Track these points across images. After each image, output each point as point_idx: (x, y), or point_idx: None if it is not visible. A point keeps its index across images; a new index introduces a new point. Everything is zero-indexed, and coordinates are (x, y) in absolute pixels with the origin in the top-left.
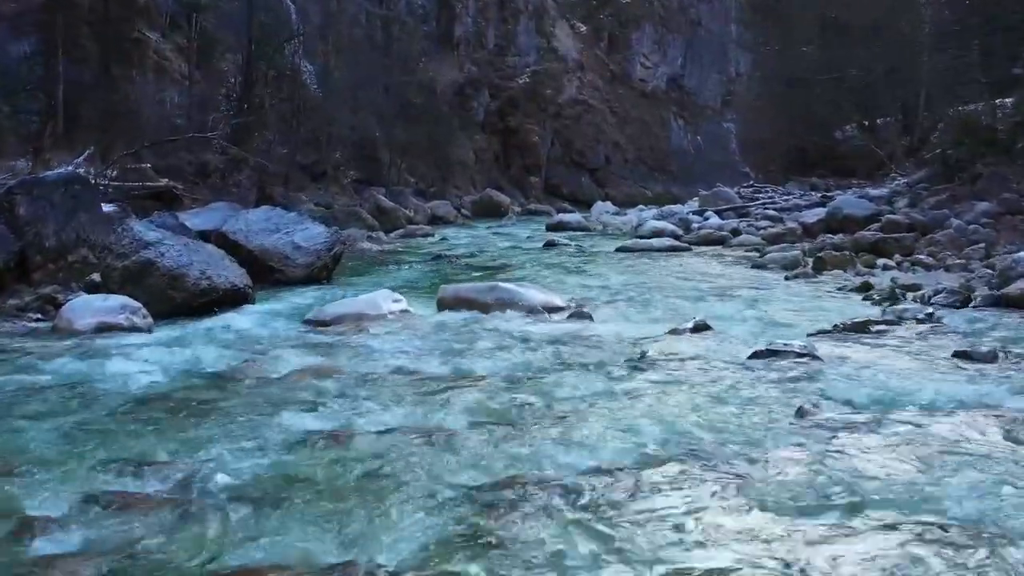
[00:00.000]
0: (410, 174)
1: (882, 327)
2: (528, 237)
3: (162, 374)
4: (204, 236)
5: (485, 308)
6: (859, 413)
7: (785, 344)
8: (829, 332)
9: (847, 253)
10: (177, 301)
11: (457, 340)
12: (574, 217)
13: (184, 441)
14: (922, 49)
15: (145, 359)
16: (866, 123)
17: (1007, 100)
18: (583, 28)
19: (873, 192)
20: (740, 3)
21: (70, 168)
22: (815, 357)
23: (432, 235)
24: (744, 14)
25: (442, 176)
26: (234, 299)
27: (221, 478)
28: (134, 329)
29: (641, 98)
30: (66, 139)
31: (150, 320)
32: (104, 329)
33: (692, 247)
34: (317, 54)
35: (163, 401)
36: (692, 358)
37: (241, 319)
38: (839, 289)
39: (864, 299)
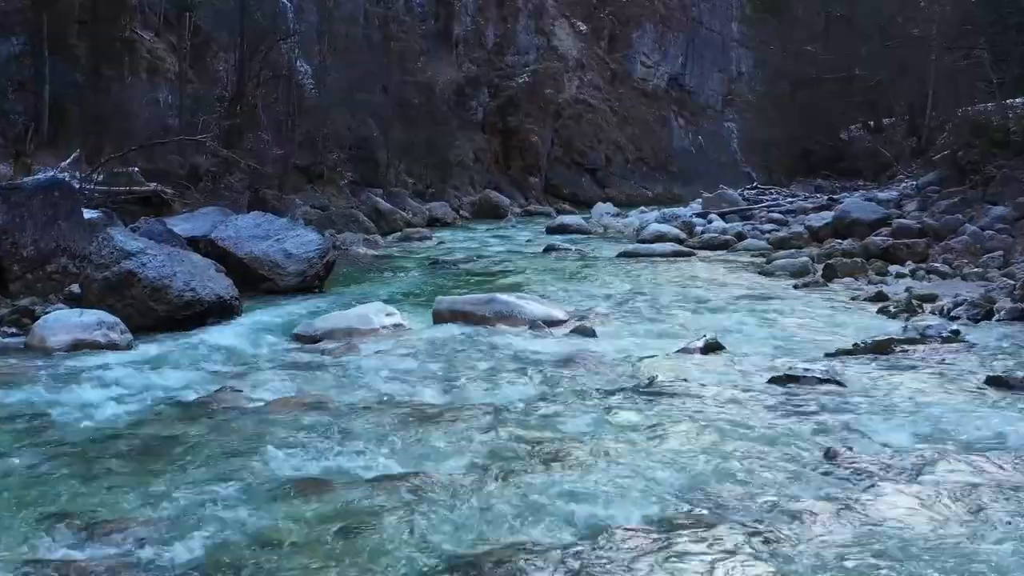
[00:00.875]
0: (408, 175)
1: (905, 346)
2: (528, 240)
3: (132, 403)
4: (193, 242)
5: (483, 322)
6: (895, 455)
7: (806, 369)
8: (850, 352)
9: (858, 260)
10: (160, 314)
11: (452, 362)
12: (575, 219)
13: (146, 493)
14: (930, 48)
15: (117, 383)
16: (871, 123)
17: (1018, 100)
18: (583, 27)
19: (881, 195)
20: (742, 1)
21: (52, 173)
22: (838, 384)
23: (430, 238)
24: (747, 12)
25: (441, 177)
26: (220, 311)
27: (181, 547)
28: (111, 346)
29: (642, 97)
30: (52, 142)
31: (129, 336)
32: (80, 347)
33: (696, 252)
34: (314, 53)
35: (128, 438)
36: (705, 385)
37: (226, 333)
38: (852, 299)
39: (879, 311)
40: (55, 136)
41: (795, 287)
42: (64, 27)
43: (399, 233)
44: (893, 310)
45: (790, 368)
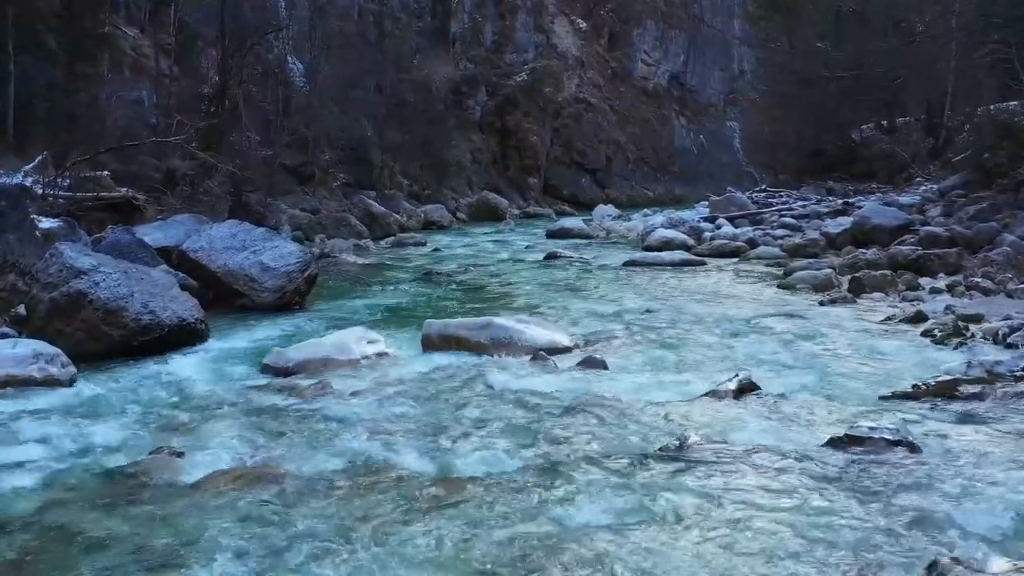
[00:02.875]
0: (403, 176)
1: (974, 387)
2: (527, 247)
3: (43, 471)
4: (165, 253)
5: (478, 349)
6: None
7: (870, 428)
8: (909, 396)
9: (887, 274)
10: (115, 339)
11: (439, 409)
12: (576, 223)
13: None
14: (949, 43)
15: (36, 440)
16: (884, 123)
17: None
18: (583, 24)
19: (903, 199)
20: None
21: (8, 179)
22: (912, 448)
23: (424, 244)
24: (749, 9)
25: (437, 178)
26: (182, 337)
27: None
28: (49, 382)
29: (643, 96)
30: (20, 144)
31: (71, 369)
32: (10, 383)
33: (706, 260)
34: (305, 50)
35: (19, 530)
36: (749, 452)
37: (186, 364)
38: (887, 319)
39: (923, 334)
40: (24, 138)
41: (821, 304)
42: (35, 21)
43: (392, 238)
44: (939, 334)
45: (851, 426)
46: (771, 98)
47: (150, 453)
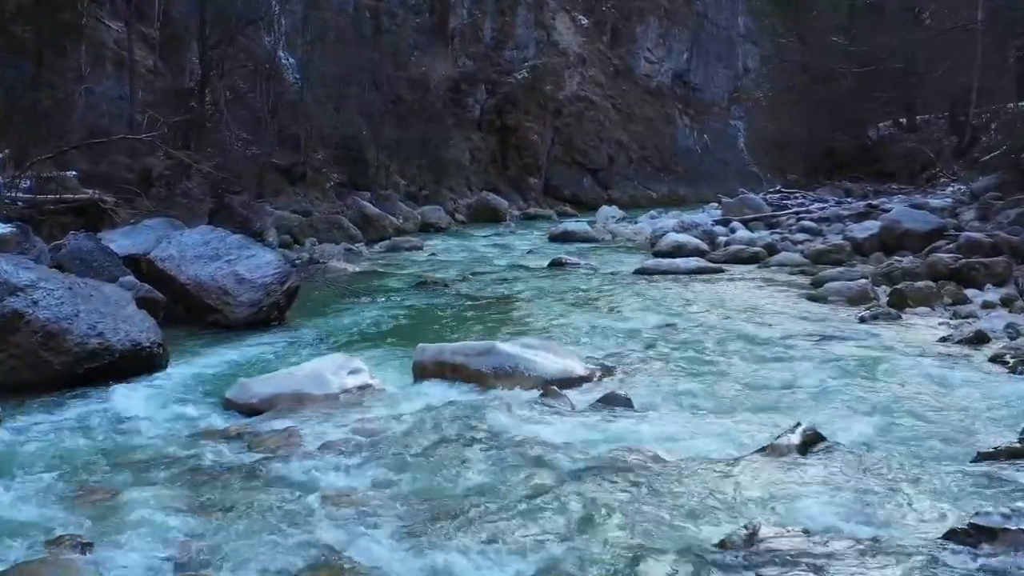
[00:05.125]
0: (400, 177)
1: None
2: (530, 251)
3: None
4: (132, 262)
5: (478, 381)
6: None
7: (1004, 516)
8: (1018, 452)
9: (931, 285)
10: (56, 368)
11: (429, 471)
12: (580, 226)
13: None
14: (975, 35)
15: None
16: (903, 121)
17: None
18: (585, 21)
19: (933, 202)
20: None
21: None
22: None
23: (420, 248)
24: (756, 3)
25: (435, 178)
26: (136, 363)
27: None
28: None
29: (645, 94)
30: None
31: None
32: None
33: (723, 267)
34: (298, 45)
35: None
36: (841, 545)
37: (134, 398)
38: (941, 340)
39: (993, 360)
40: None
41: (861, 320)
42: (2, 10)
43: (387, 242)
44: (1011, 361)
45: (975, 513)
46: (780, 95)
47: (48, 543)
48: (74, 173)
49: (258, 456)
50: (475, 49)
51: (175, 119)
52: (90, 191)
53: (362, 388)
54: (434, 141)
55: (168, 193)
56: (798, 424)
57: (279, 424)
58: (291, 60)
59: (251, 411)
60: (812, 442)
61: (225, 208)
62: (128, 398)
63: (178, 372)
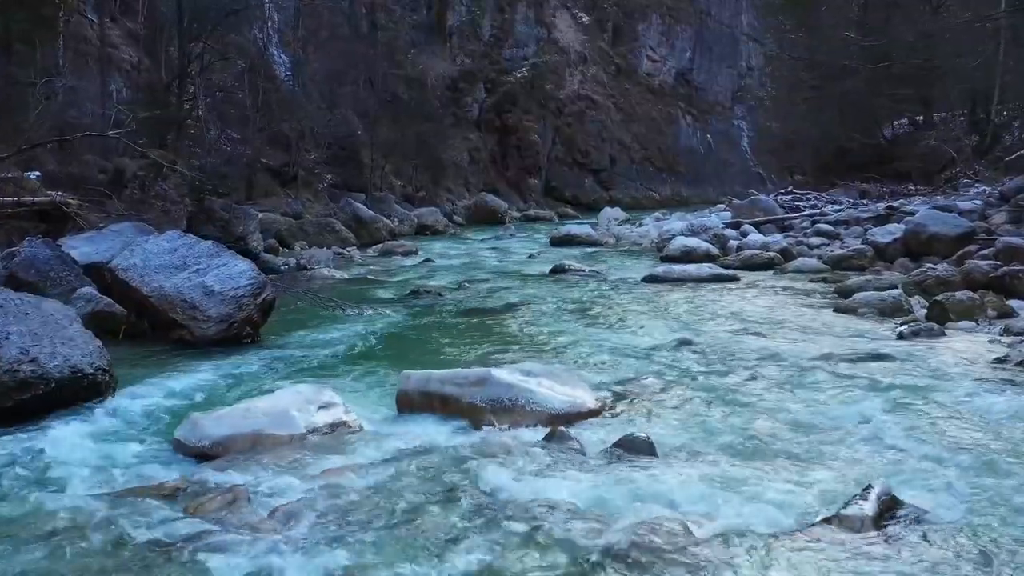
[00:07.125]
0: (396, 177)
1: None
2: (530, 257)
3: None
4: (95, 272)
5: (471, 415)
6: None
7: None
8: None
9: (974, 297)
10: None
11: (411, 545)
12: (583, 229)
13: None
14: (996, 28)
15: None
16: (920, 119)
17: None
18: (586, 18)
19: (962, 205)
20: None
21: None
22: None
23: (415, 253)
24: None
25: (432, 179)
26: (77, 392)
27: None
28: None
29: (648, 94)
30: None
31: None
32: None
33: (739, 274)
34: (291, 42)
35: None
36: None
37: (67, 437)
38: (997, 361)
39: None
40: None
41: (900, 336)
42: None
43: (380, 246)
44: None
45: None
46: (786, 93)
47: None
48: (37, 174)
49: (197, 524)
50: (474, 47)
51: (144, 115)
52: (52, 193)
53: (334, 426)
54: (431, 141)
55: (142, 195)
56: (869, 486)
57: (228, 477)
58: (283, 57)
59: (201, 455)
60: (889, 508)
61: (205, 211)
62: (60, 436)
63: (126, 404)
